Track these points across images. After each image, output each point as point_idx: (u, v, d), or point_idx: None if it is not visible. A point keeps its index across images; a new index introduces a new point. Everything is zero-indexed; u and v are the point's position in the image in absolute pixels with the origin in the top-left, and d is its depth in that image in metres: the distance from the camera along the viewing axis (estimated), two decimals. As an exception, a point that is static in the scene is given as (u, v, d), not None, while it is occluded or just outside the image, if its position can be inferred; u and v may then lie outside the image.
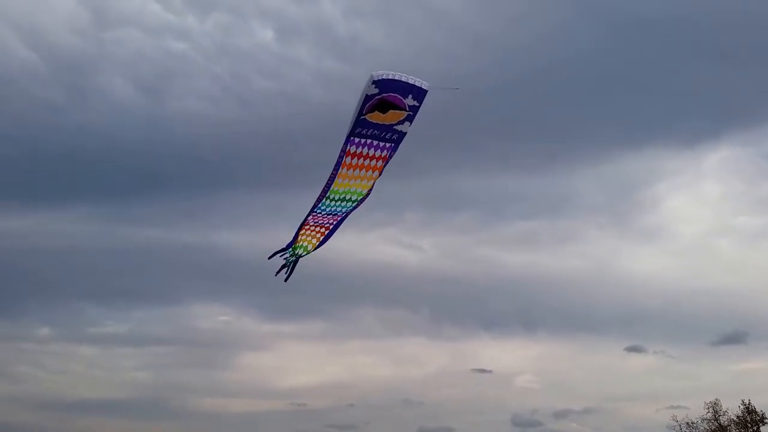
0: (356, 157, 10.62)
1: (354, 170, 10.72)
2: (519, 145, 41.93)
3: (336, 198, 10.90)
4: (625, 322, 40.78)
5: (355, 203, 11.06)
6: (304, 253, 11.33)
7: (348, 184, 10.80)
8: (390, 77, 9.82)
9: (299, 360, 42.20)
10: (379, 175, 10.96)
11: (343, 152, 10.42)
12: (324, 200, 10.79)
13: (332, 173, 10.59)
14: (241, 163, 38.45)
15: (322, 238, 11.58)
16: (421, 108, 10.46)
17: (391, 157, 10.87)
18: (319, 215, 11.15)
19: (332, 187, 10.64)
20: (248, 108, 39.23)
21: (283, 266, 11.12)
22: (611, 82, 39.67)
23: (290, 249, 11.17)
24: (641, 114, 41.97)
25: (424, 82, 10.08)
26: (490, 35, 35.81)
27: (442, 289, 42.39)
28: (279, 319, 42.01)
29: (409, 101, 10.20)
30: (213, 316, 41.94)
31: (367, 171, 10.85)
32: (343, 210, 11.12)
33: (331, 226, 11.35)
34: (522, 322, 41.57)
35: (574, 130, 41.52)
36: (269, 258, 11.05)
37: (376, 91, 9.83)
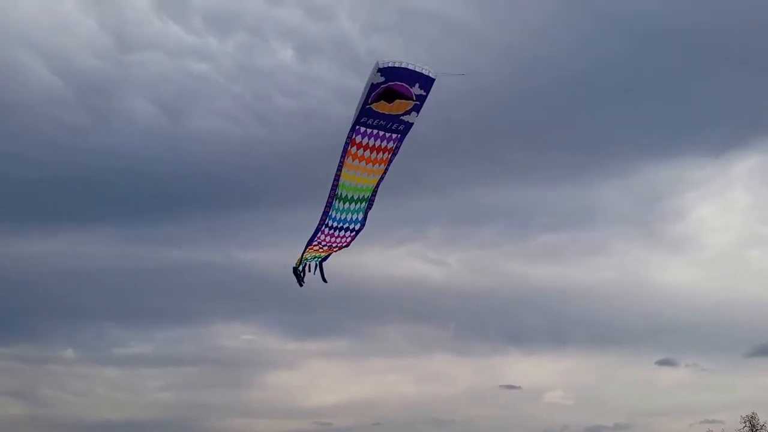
0: (362, 148, 10.29)
1: (360, 162, 10.36)
2: (542, 157, 41.50)
3: (345, 197, 10.56)
4: (656, 335, 40.02)
5: (364, 203, 10.70)
6: (314, 259, 11.01)
7: (354, 177, 10.44)
8: (396, 65, 9.45)
9: (324, 378, 41.87)
10: (386, 169, 10.53)
11: (349, 140, 10.10)
12: (335, 202, 10.48)
13: (339, 164, 10.26)
14: (263, 182, 38.46)
15: (334, 250, 11.23)
16: (428, 98, 9.96)
17: (397, 149, 10.48)
18: (328, 232, 10.82)
19: (340, 179, 10.30)
20: (269, 126, 39.26)
21: (299, 272, 10.86)
22: (636, 91, 39.17)
23: (302, 262, 10.88)
24: (667, 123, 41.31)
25: (431, 71, 9.68)
26: (511, 47, 35.52)
27: (469, 304, 41.92)
28: (303, 337, 41.80)
29: (416, 90, 9.79)
30: (237, 335, 41.78)
31: (373, 164, 10.43)
32: (352, 218, 10.76)
33: (344, 245, 11.03)
34: (550, 337, 40.98)
35: (599, 140, 41.03)
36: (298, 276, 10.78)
37: (382, 79, 9.48)
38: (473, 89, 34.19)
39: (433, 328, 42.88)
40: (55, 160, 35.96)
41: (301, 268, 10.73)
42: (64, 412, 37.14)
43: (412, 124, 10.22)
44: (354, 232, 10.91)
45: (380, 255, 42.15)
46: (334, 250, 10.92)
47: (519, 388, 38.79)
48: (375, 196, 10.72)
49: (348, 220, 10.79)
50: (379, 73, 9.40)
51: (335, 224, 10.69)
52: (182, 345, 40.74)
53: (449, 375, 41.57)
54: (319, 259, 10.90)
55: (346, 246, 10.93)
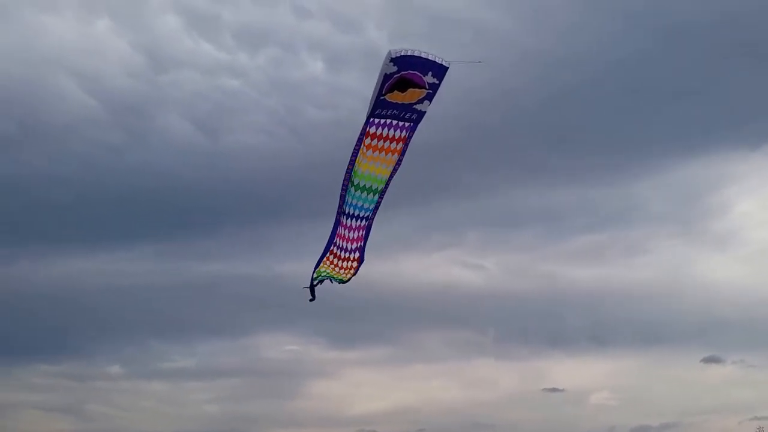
0: (376, 138, 10.27)
1: (375, 152, 10.36)
2: (575, 158, 41.16)
3: (360, 186, 10.50)
4: (701, 333, 39.20)
5: (377, 194, 10.59)
6: (338, 280, 10.94)
7: (369, 166, 10.43)
8: (408, 54, 9.41)
9: (366, 386, 41.90)
10: (400, 159, 10.51)
11: (363, 132, 10.11)
12: (349, 188, 10.42)
13: (353, 154, 10.24)
14: (299, 193, 38.74)
15: (356, 266, 11.14)
16: (441, 86, 9.94)
17: (410, 138, 10.44)
18: (346, 222, 10.57)
19: (354, 167, 10.25)
20: (302, 138, 39.57)
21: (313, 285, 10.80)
22: (667, 88, 38.65)
23: (317, 273, 10.79)
24: (704, 118, 40.58)
25: (444, 59, 9.66)
26: (540, 48, 35.39)
27: (508, 307, 41.61)
28: (344, 346, 41.92)
29: (429, 79, 9.77)
30: (279, 346, 42.10)
31: (387, 153, 10.44)
32: (366, 209, 10.67)
33: (359, 248, 10.92)
34: (593, 338, 40.44)
35: (634, 138, 40.50)
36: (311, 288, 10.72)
37: (395, 69, 9.46)
38: (503, 92, 34.20)
39: (473, 332, 42.71)
40: (93, 179, 36.79)
41: (317, 282, 10.70)
42: (112, 427, 37.84)
43: (425, 112, 10.19)
44: (365, 220, 10.77)
45: (417, 262, 42.21)
46: (349, 262, 10.78)
47: (562, 390, 38.46)
48: (387, 187, 10.66)
49: (363, 207, 10.72)
50: (391, 63, 9.37)
51: (352, 211, 10.68)
52: (225, 357, 41.18)
53: (491, 379, 41.35)
54: (338, 280, 10.84)
55: (358, 249, 10.80)
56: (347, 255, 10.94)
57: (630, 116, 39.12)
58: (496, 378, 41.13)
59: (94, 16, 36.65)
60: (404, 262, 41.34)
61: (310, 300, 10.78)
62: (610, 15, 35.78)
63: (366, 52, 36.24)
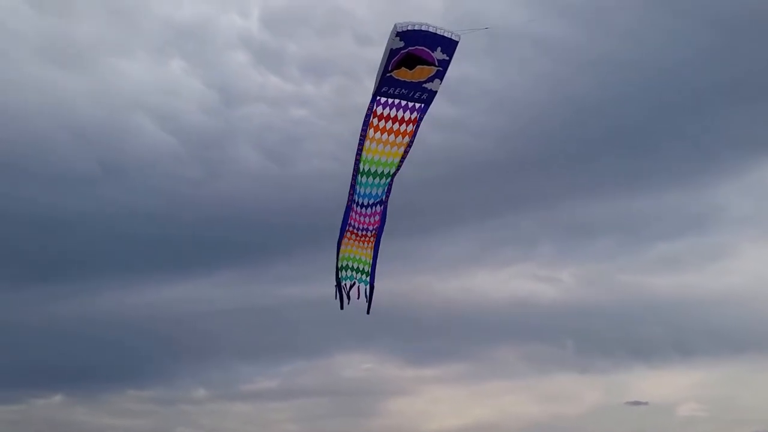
0: (384, 119, 9.67)
1: (383, 134, 9.76)
2: (646, 163, 40.22)
3: (369, 172, 9.95)
4: (791, 338, 37.57)
5: (388, 178, 9.98)
6: (361, 275, 10.37)
7: (378, 150, 9.86)
8: (416, 28, 8.84)
9: (444, 403, 41.75)
10: (411, 142, 9.92)
11: (370, 112, 9.56)
12: (359, 177, 9.88)
13: (360, 137, 9.70)
14: (368, 214, 39.27)
15: (374, 243, 10.42)
16: (451, 63, 9.30)
17: (421, 120, 9.85)
18: (358, 210, 10.03)
19: (362, 154, 9.70)
20: (368, 160, 40.19)
21: (341, 290, 10.34)
22: (734, 85, 37.38)
23: (342, 270, 10.28)
24: (775, 114, 39.13)
25: (453, 33, 9.06)
26: (599, 53, 34.96)
27: (586, 320, 40.75)
28: (420, 364, 41.95)
29: (438, 55, 9.18)
30: (356, 365, 42.55)
31: (396, 136, 9.85)
32: (376, 195, 10.05)
33: (376, 227, 10.25)
34: (676, 348, 39.11)
35: (707, 140, 39.33)
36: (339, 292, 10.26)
37: (402, 44, 8.91)
38: (564, 98, 33.97)
39: (551, 346, 42.00)
40: (173, 212, 38.45)
41: (345, 284, 10.21)
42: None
43: (436, 92, 9.62)
44: (380, 204, 10.22)
45: (490, 277, 41.96)
46: (372, 236, 10.11)
47: (646, 403, 37.35)
48: (399, 170, 10.09)
49: (373, 195, 10.25)
50: (398, 38, 8.83)
51: (363, 201, 10.25)
52: (305, 377, 41.90)
53: (571, 394, 40.50)
54: (366, 284, 10.35)
55: (375, 229, 10.20)
56: (364, 232, 10.51)
57: (700, 117, 38.08)
58: (576, 392, 40.31)
59: (167, 57, 38.51)
60: (476, 277, 41.26)
61: (341, 308, 10.45)
62: (668, 14, 35.11)
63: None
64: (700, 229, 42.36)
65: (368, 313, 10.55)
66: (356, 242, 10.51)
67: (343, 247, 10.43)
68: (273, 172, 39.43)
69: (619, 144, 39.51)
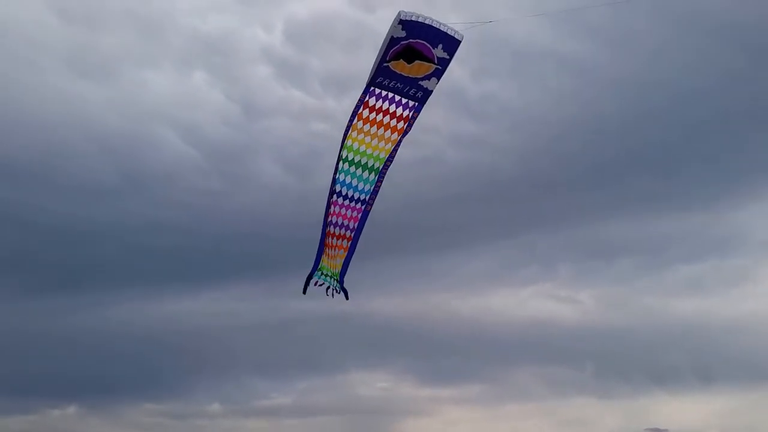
0: (375, 111, 9.37)
1: (372, 126, 9.43)
2: (669, 184, 39.82)
3: (353, 161, 9.52)
4: (816, 365, 36.74)
5: (376, 174, 9.57)
6: (332, 282, 10.16)
7: (364, 142, 9.49)
8: (420, 20, 8.54)
9: (460, 424, 41.26)
10: (400, 139, 9.58)
11: (360, 102, 9.30)
12: (341, 164, 9.45)
13: (347, 126, 9.37)
14: (386, 230, 39.17)
15: (345, 255, 10.03)
16: (451, 62, 9.01)
17: (414, 119, 9.55)
18: (340, 202, 9.58)
19: (345, 141, 9.29)
20: (388, 176, 40.15)
21: (308, 281, 10.00)
22: (765, 108, 37.01)
23: (318, 271, 10.07)
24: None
25: (457, 31, 8.79)
26: (624, 73, 34.80)
27: (606, 343, 40.20)
28: (437, 384, 41.57)
29: (439, 52, 8.92)
30: (372, 383, 42.21)
31: (386, 130, 9.54)
32: (362, 190, 9.57)
33: (355, 225, 9.82)
34: (698, 374, 38.40)
35: (731, 162, 38.88)
36: (304, 291, 10.05)
37: (403, 34, 8.65)
38: (587, 118, 33.73)
39: (570, 369, 41.43)
40: (194, 224, 38.55)
41: (317, 283, 9.92)
42: (216, 463, 38.68)
43: (432, 91, 9.32)
44: (363, 204, 9.82)
45: (509, 297, 41.64)
46: (345, 246, 9.73)
47: (666, 431, 36.82)
48: (387, 169, 9.72)
49: (357, 188, 9.77)
50: (400, 26, 8.59)
51: (344, 191, 9.81)
52: (320, 394, 41.60)
53: (590, 419, 39.84)
54: (337, 285, 10.08)
55: (354, 228, 9.79)
56: (342, 231, 10.13)
57: (723, 140, 37.69)
58: (595, 417, 39.65)
59: (190, 69, 38.76)
60: (494, 297, 40.96)
61: (303, 293, 10.21)
62: (696, 36, 34.87)
63: (448, 91, 36.64)
64: (722, 252, 41.78)
65: (347, 299, 10.46)
66: (333, 249, 10.38)
67: (324, 257, 10.36)
68: (293, 186, 39.48)
69: (642, 165, 39.25)
